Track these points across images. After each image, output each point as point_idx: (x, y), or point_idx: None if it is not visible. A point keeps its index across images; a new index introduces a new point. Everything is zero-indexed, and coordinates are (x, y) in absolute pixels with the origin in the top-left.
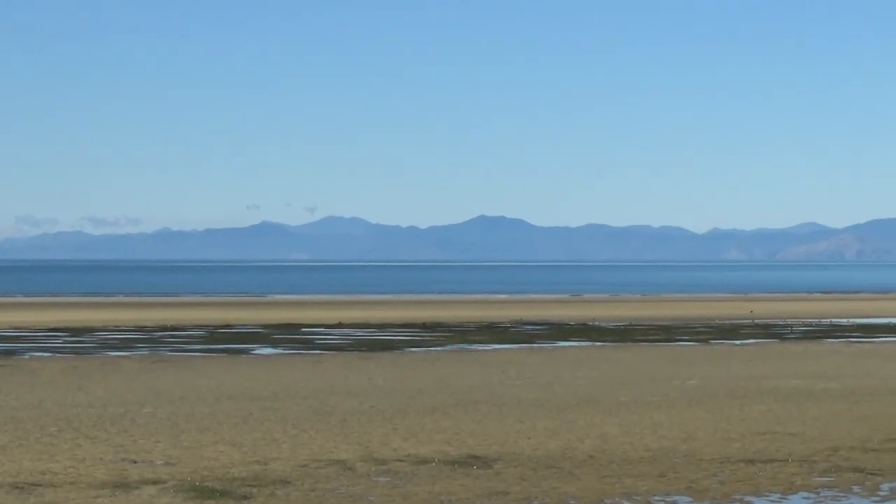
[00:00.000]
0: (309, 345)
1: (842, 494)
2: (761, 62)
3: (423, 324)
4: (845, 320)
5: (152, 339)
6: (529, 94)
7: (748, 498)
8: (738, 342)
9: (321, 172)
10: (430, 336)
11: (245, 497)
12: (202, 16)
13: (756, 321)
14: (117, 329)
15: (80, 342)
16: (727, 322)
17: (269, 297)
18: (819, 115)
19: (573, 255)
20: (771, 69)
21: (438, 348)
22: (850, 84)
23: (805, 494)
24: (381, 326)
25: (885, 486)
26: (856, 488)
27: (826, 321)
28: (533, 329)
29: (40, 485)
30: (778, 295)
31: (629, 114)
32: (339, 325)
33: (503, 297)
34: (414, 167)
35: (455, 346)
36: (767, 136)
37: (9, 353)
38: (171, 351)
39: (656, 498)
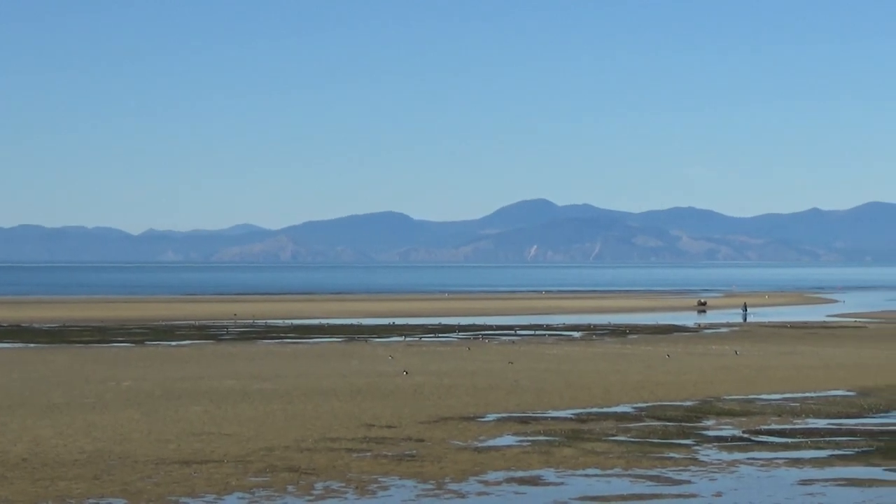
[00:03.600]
0: None
1: (277, 494)
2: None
3: None
4: (281, 321)
5: None
6: None
7: (183, 499)
8: (173, 343)
9: None
10: None
11: None
12: None
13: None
14: None
15: None
16: (163, 323)
17: None
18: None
19: (6, 255)
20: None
21: None
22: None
23: (240, 495)
24: None
25: (319, 485)
26: (290, 488)
27: (262, 322)
28: None
29: None
30: (219, 297)
31: (67, 109)
32: None
33: None
34: None
35: None
36: (202, 140)
37: None
38: None
39: (90, 501)
